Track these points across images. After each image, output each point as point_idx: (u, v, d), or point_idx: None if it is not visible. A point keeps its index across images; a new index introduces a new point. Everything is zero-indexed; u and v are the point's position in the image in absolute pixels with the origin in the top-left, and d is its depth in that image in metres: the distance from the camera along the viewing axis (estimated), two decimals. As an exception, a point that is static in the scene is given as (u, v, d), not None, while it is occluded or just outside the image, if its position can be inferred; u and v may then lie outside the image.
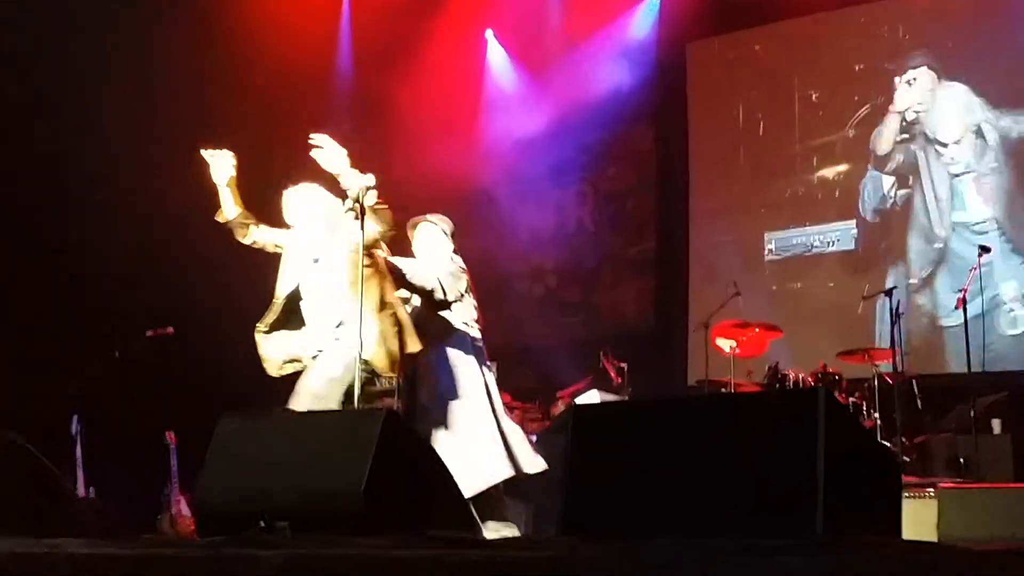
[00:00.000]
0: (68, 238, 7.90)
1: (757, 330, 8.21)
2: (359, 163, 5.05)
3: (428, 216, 5.54)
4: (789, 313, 9.43)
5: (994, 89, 9.03)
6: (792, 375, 7.92)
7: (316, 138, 4.98)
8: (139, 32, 8.28)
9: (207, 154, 5.19)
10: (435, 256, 5.47)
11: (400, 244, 5.45)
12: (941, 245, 9.16)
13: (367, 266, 4.96)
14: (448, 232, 5.53)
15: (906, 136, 9.46)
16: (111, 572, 2.77)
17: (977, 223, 9.00)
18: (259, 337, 5.12)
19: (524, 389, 8.33)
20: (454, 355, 5.32)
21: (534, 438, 7.24)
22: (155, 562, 2.80)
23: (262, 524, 3.39)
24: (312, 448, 3.64)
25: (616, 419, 3.29)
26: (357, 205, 5.02)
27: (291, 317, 5.13)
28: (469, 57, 10.81)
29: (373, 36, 10.08)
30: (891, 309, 7.78)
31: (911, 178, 9.40)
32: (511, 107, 10.69)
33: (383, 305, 5.06)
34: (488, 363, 5.43)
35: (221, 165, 5.19)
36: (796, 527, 2.67)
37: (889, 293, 7.88)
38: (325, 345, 5.03)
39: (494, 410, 5.29)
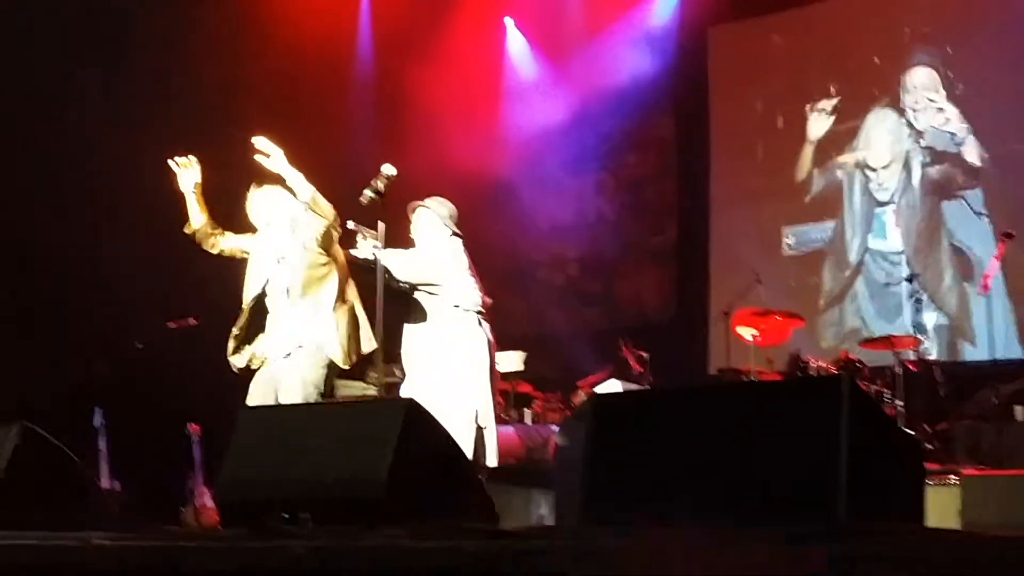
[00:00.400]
0: (89, 229, 7.95)
1: (778, 318, 8.17)
2: (379, 153, 5.09)
3: (425, 200, 5.51)
4: (809, 303, 9.41)
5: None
6: (814, 363, 7.88)
7: (257, 142, 5.03)
8: (153, 26, 8.31)
9: (173, 164, 5.24)
10: (429, 241, 5.47)
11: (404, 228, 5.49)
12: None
13: (323, 264, 5.13)
14: (445, 215, 5.48)
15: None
16: (135, 564, 2.79)
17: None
18: (230, 350, 5.20)
19: (545, 379, 8.33)
20: (441, 336, 5.32)
21: (556, 428, 7.25)
22: (179, 554, 2.82)
23: (285, 515, 3.41)
24: (334, 438, 3.65)
25: (636, 408, 3.28)
26: (378, 195, 5.06)
27: (259, 320, 5.22)
28: (488, 45, 10.78)
29: (392, 25, 10.07)
30: (912, 296, 7.74)
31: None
32: (531, 95, 10.66)
33: (342, 300, 5.16)
34: (490, 344, 5.41)
35: (187, 174, 5.24)
36: (819, 514, 2.66)
37: (911, 279, 7.83)
38: (291, 346, 5.14)
39: (480, 398, 5.28)
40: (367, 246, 5.25)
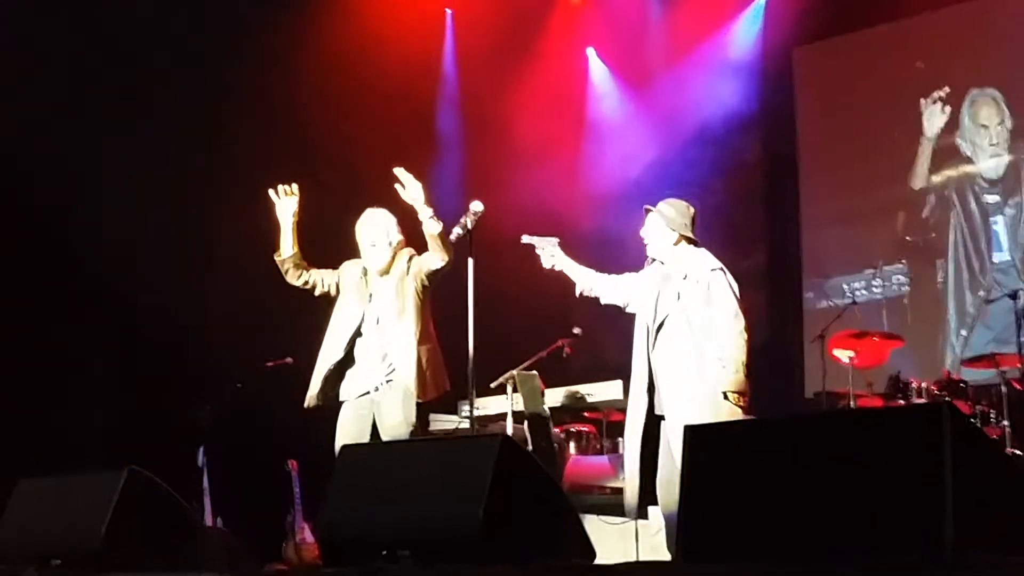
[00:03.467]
0: (190, 272, 8.15)
1: (876, 339, 8.01)
2: (464, 187, 5.16)
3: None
4: (909, 321, 9.22)
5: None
6: (915, 384, 7.71)
7: (399, 172, 5.11)
8: (236, 54, 8.50)
9: (273, 193, 5.35)
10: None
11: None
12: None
13: (418, 296, 5.23)
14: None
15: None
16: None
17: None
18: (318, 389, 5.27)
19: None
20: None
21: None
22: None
23: (384, 553, 3.45)
24: (431, 477, 3.67)
25: (730, 439, 3.25)
26: (467, 232, 5.13)
27: (350, 355, 5.30)
28: (572, 76, 10.83)
29: (476, 57, 10.18)
30: (1016, 312, 7.52)
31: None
32: (615, 124, 10.66)
33: (425, 338, 5.21)
34: None
35: (288, 202, 5.34)
36: (924, 547, 2.60)
37: (1015, 296, 7.61)
38: (380, 379, 5.20)
39: None
40: (547, 256, 5.33)
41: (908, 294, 9.55)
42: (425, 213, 5.13)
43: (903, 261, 9.64)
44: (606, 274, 5.42)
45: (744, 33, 10.29)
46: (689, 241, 5.19)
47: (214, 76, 8.43)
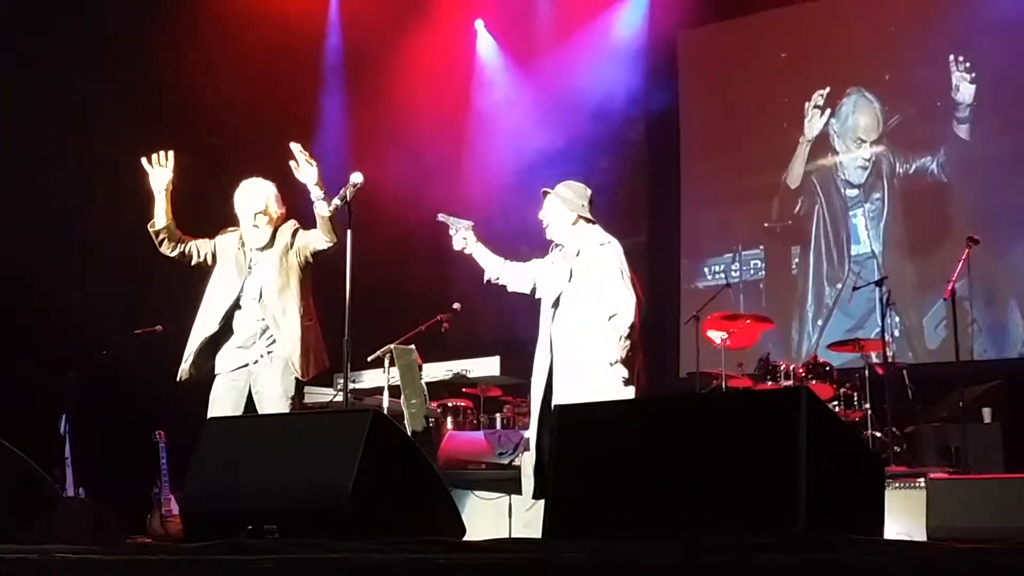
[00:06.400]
0: (56, 236, 7.89)
1: (748, 321, 8.23)
2: (345, 158, 5.09)
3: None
4: (781, 304, 9.48)
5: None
6: (783, 366, 7.94)
7: (294, 148, 5.02)
8: (120, 25, 8.24)
9: (146, 162, 5.20)
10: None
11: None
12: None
13: (300, 272, 5.16)
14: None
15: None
16: (96, 579, 2.77)
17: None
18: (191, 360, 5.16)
19: (515, 384, 8.33)
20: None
21: (525, 433, 7.25)
22: (140, 568, 2.80)
23: (250, 528, 3.39)
24: (299, 449, 3.64)
25: (598, 418, 3.30)
26: (346, 204, 5.06)
27: (227, 328, 5.19)
28: (459, 48, 10.77)
29: (362, 26, 10.04)
30: (881, 299, 7.80)
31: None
32: (501, 98, 10.66)
33: (307, 313, 5.17)
34: None
35: (161, 173, 5.20)
36: (778, 525, 2.68)
37: (880, 283, 7.89)
38: (257, 355, 5.13)
39: None
40: (459, 238, 5.32)
41: (764, 279, 9.84)
42: (317, 194, 5.04)
43: (761, 247, 9.93)
44: (513, 262, 5.43)
45: (631, 13, 10.38)
46: (588, 221, 5.26)
47: (93, 35, 8.13)
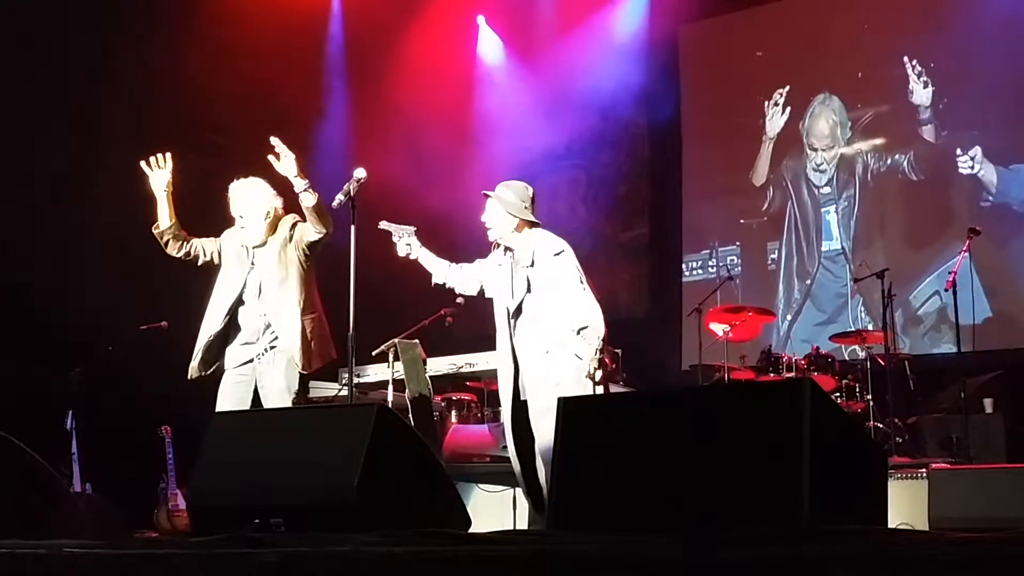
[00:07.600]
0: (61, 233, 7.91)
1: (750, 314, 8.24)
2: (349, 154, 5.10)
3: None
4: (757, 299, 9.51)
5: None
6: (785, 358, 7.95)
7: (274, 141, 5.02)
8: (120, 25, 8.25)
9: (145, 165, 5.21)
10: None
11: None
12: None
13: (301, 266, 5.19)
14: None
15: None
16: (104, 573, 2.79)
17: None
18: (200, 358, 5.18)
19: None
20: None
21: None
22: (148, 562, 2.82)
23: (256, 521, 3.41)
24: (305, 444, 3.66)
25: (602, 411, 3.31)
26: (350, 199, 5.07)
27: (233, 324, 5.22)
28: (461, 43, 10.78)
29: (364, 22, 10.05)
30: (883, 291, 7.81)
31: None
32: (503, 93, 10.67)
33: (311, 305, 5.19)
34: None
35: (161, 174, 5.22)
36: (782, 517, 2.69)
37: (881, 275, 7.89)
38: (263, 347, 5.16)
39: None
40: (403, 244, 5.30)
41: (739, 274, 9.86)
42: (299, 186, 5.03)
43: (737, 243, 9.96)
44: (457, 264, 5.41)
45: (633, 6, 10.38)
46: (532, 225, 5.19)
47: (93, 40, 8.14)
